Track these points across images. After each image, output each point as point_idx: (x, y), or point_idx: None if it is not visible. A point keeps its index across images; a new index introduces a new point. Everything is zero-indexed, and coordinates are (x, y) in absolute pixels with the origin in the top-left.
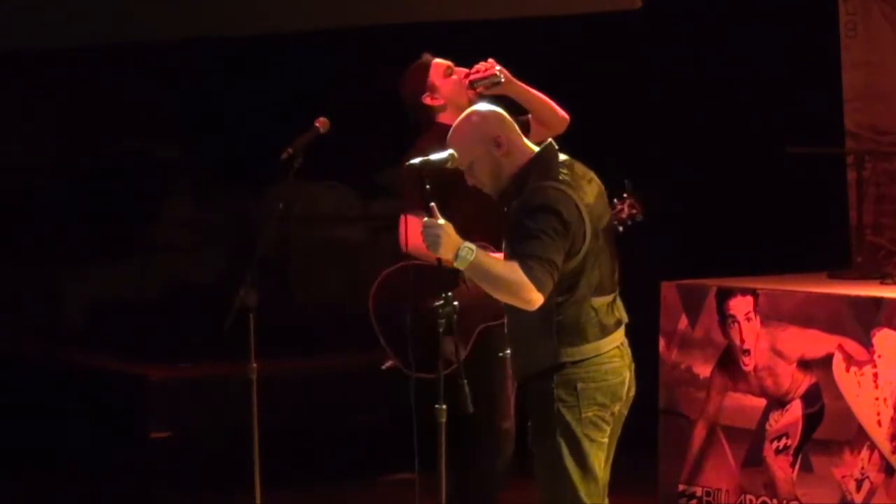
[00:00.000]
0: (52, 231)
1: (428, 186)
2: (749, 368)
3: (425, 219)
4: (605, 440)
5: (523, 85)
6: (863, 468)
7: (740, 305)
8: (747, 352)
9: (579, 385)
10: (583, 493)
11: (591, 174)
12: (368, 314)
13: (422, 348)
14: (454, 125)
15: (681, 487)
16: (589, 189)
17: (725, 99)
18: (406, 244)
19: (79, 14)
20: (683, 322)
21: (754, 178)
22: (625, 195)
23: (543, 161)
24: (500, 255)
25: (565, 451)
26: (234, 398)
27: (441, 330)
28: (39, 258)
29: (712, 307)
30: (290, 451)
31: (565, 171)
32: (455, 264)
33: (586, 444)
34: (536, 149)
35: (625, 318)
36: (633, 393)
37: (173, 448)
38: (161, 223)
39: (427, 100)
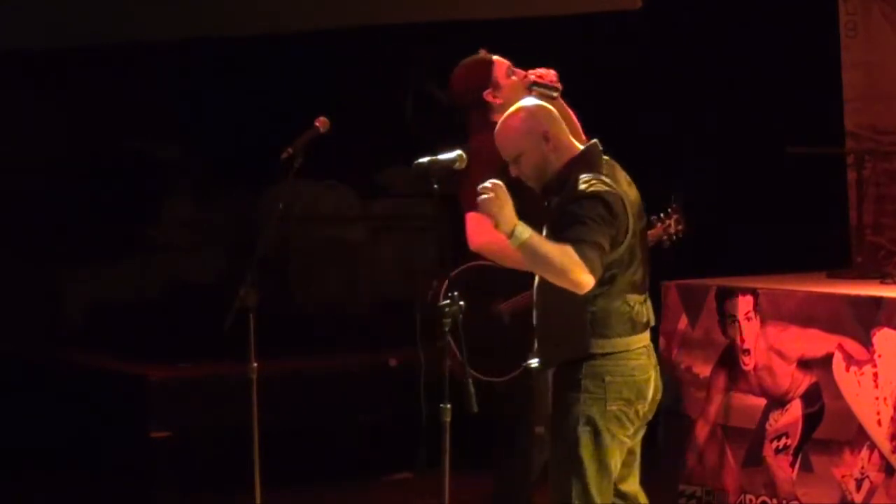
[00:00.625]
0: (52, 231)
1: (436, 186)
2: (749, 368)
3: (492, 181)
4: (627, 439)
5: (564, 104)
6: (863, 468)
7: (740, 305)
8: (747, 351)
9: (607, 378)
10: (594, 488)
11: (630, 179)
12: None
13: (494, 351)
14: (503, 118)
15: (681, 487)
16: (629, 190)
17: (725, 99)
18: (472, 242)
19: (79, 14)
20: (683, 322)
21: (754, 178)
22: (670, 209)
23: (588, 159)
24: None
25: (585, 442)
26: (234, 398)
27: (446, 329)
28: (39, 258)
29: (712, 307)
30: (290, 451)
31: (607, 169)
32: (510, 241)
33: (607, 439)
34: (581, 147)
35: (652, 321)
36: (659, 396)
37: (173, 448)
38: (161, 223)
39: (489, 96)
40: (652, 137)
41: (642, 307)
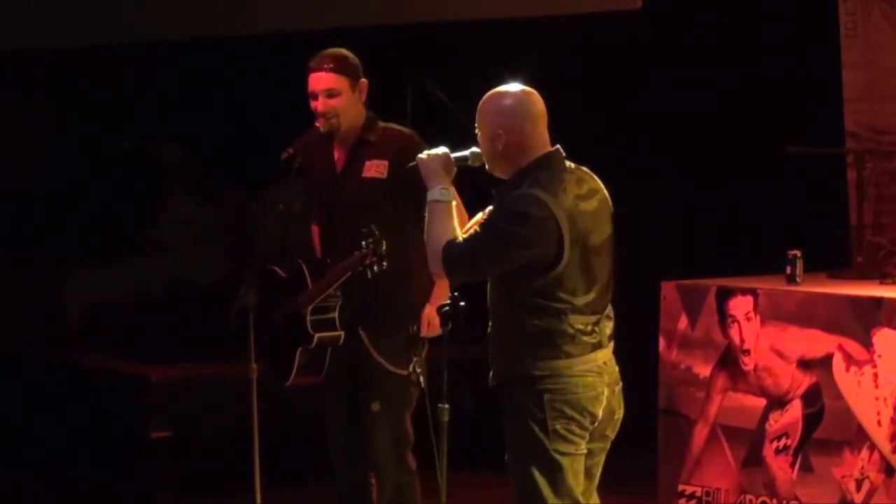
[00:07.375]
0: (52, 231)
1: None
2: (749, 368)
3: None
4: (581, 450)
5: None
6: (863, 468)
7: (740, 305)
8: (747, 352)
9: (546, 396)
10: None
11: (594, 188)
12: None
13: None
14: (494, 90)
15: (681, 487)
16: (582, 204)
17: (725, 99)
18: None
19: (79, 14)
20: (683, 322)
21: (754, 178)
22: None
23: (540, 168)
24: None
25: (535, 465)
26: (234, 398)
27: (448, 330)
28: (39, 258)
29: (712, 307)
30: (290, 451)
31: (561, 181)
32: (429, 192)
33: (557, 458)
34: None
35: (606, 343)
36: (620, 415)
37: (173, 448)
38: (161, 223)
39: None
40: (651, 137)
41: (596, 327)
